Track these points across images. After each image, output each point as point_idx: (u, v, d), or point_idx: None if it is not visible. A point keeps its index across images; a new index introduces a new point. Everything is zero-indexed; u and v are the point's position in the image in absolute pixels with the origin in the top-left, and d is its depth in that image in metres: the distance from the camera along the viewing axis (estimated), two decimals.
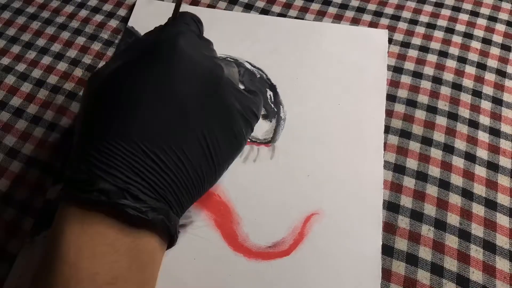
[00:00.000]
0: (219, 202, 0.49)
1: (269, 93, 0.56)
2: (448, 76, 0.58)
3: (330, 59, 0.59)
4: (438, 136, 0.53)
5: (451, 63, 0.59)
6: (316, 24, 0.63)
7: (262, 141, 0.53)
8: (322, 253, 0.47)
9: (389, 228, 0.48)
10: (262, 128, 0.54)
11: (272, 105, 0.56)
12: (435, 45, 0.60)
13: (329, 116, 0.55)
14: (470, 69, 0.58)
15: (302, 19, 0.64)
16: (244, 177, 0.51)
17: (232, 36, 0.62)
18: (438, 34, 0.62)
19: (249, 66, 0.59)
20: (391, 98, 0.56)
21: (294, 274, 0.46)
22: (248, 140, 0.53)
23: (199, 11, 0.63)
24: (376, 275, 0.45)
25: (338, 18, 0.63)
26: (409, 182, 0.51)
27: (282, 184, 0.51)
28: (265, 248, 0.47)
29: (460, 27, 0.62)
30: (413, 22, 0.63)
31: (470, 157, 0.52)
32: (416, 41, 0.61)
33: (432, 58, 0.59)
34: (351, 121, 0.54)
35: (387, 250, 0.47)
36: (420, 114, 0.55)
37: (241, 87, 0.55)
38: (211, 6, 0.65)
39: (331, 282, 0.45)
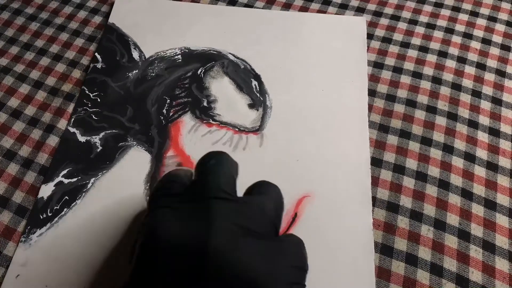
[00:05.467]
0: None
1: (254, 83, 0.58)
2: (448, 76, 0.58)
3: (312, 47, 0.61)
4: (438, 136, 0.53)
5: (450, 63, 0.59)
6: (296, 14, 0.64)
7: (250, 130, 0.54)
8: (316, 233, 0.47)
9: (388, 228, 0.48)
10: (249, 117, 0.55)
11: (258, 94, 0.57)
12: (434, 45, 0.60)
13: (314, 101, 0.56)
14: (469, 69, 0.58)
15: None
16: None
17: (214, 29, 0.63)
18: (438, 34, 0.61)
19: (232, 58, 0.60)
20: (390, 98, 0.56)
21: None
22: (236, 129, 0.54)
23: (180, 6, 0.65)
24: (369, 250, 0.46)
25: None
26: (408, 182, 0.50)
27: (273, 170, 0.51)
28: None
29: (459, 27, 0.62)
30: (413, 22, 0.63)
31: (470, 157, 0.52)
32: (416, 41, 0.61)
33: (431, 58, 0.59)
34: (335, 104, 0.56)
35: (387, 250, 0.46)
36: (419, 114, 0.55)
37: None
38: None
39: (327, 261, 0.46)
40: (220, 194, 0.34)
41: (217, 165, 0.37)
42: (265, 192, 0.38)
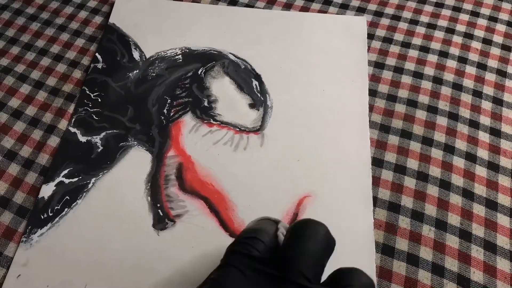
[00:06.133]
0: (213, 191, 0.50)
1: (255, 82, 0.58)
2: (449, 76, 0.57)
3: (312, 47, 0.61)
4: (439, 136, 0.53)
5: (451, 63, 0.59)
6: (296, 14, 0.65)
7: (251, 130, 0.54)
8: None
9: (390, 228, 0.48)
10: (250, 117, 0.55)
11: (258, 94, 0.57)
12: (435, 45, 0.60)
13: (314, 101, 0.56)
14: (470, 69, 0.58)
15: None
16: (235, 165, 0.52)
17: (215, 29, 0.63)
18: (439, 34, 0.61)
19: (233, 58, 0.60)
20: (391, 98, 0.56)
21: None
22: (237, 129, 0.54)
23: (180, 6, 0.65)
24: (370, 249, 0.46)
25: None
26: (410, 182, 0.50)
27: (274, 169, 0.52)
28: None
29: (460, 28, 0.62)
30: (414, 22, 0.63)
31: (471, 157, 0.52)
32: (417, 41, 0.61)
33: (432, 58, 0.59)
34: (336, 104, 0.56)
35: (388, 250, 0.46)
36: (420, 114, 0.55)
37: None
38: None
39: (328, 261, 0.46)
40: (300, 280, 0.30)
41: (310, 239, 0.33)
42: (353, 285, 0.32)
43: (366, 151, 0.52)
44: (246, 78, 0.58)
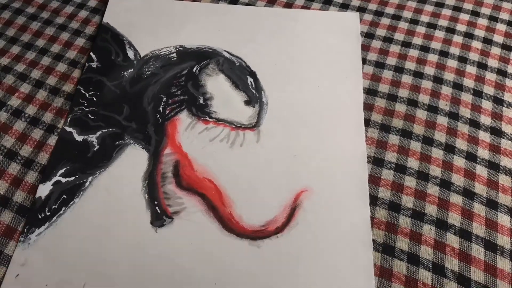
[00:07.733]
0: (210, 187, 0.50)
1: (250, 79, 0.58)
2: (449, 76, 0.57)
3: (306, 44, 0.61)
4: (439, 136, 0.53)
5: (452, 63, 0.59)
6: (290, 11, 0.65)
7: (247, 126, 0.54)
8: (314, 227, 0.48)
9: (390, 228, 0.48)
10: (246, 113, 0.55)
11: (253, 91, 0.57)
12: (436, 45, 0.60)
13: (309, 97, 0.57)
14: (471, 69, 0.58)
15: None
16: (232, 161, 0.52)
17: (209, 26, 0.63)
18: (439, 34, 0.61)
19: (227, 55, 0.60)
20: (392, 98, 0.56)
21: (289, 250, 0.47)
22: (233, 126, 0.54)
23: (174, 5, 0.65)
24: (367, 244, 0.47)
25: None
26: (410, 181, 0.50)
27: (270, 165, 0.52)
28: (259, 227, 0.48)
29: (461, 27, 0.62)
30: (414, 21, 0.63)
31: (471, 157, 0.52)
32: (417, 40, 0.61)
33: (433, 57, 0.59)
34: (331, 100, 0.56)
35: (389, 250, 0.46)
36: (421, 114, 0.55)
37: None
38: None
39: (325, 254, 0.46)
40: None
41: None
42: None
43: (361, 146, 0.53)
44: (241, 75, 0.58)
